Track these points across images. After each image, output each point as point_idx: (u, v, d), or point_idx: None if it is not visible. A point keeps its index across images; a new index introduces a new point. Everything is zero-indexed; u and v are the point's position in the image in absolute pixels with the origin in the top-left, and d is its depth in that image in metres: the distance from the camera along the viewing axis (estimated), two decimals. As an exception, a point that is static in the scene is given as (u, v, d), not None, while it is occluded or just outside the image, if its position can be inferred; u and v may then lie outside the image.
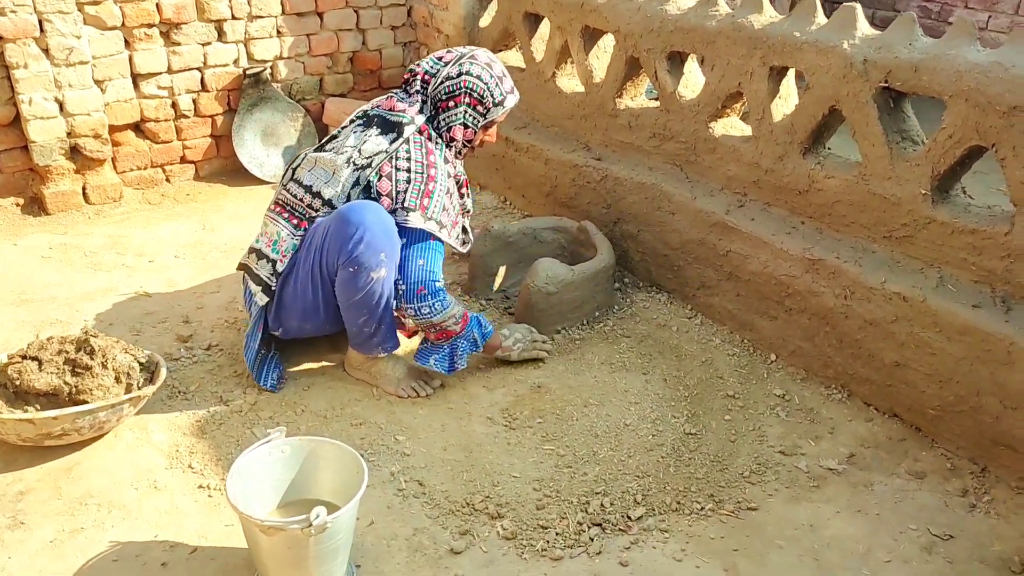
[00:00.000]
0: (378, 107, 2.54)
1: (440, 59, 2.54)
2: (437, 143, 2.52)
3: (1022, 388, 2.07)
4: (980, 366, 2.15)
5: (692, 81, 3.01)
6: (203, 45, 3.89)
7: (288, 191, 2.51)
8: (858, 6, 2.41)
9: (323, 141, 2.57)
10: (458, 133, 2.54)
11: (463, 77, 2.49)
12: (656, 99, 3.23)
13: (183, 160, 4.05)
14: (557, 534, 2.03)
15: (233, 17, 3.90)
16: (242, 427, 2.39)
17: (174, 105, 3.92)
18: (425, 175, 2.43)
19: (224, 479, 2.17)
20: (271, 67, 4.09)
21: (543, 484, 2.20)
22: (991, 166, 2.36)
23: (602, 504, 2.13)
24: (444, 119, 2.53)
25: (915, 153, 2.31)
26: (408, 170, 2.41)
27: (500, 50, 3.94)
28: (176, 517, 2.08)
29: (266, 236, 2.52)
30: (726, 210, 2.83)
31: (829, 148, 2.64)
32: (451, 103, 2.51)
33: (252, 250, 2.56)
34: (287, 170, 2.57)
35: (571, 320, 2.88)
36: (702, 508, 2.12)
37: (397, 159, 2.42)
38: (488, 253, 3.09)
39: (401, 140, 2.44)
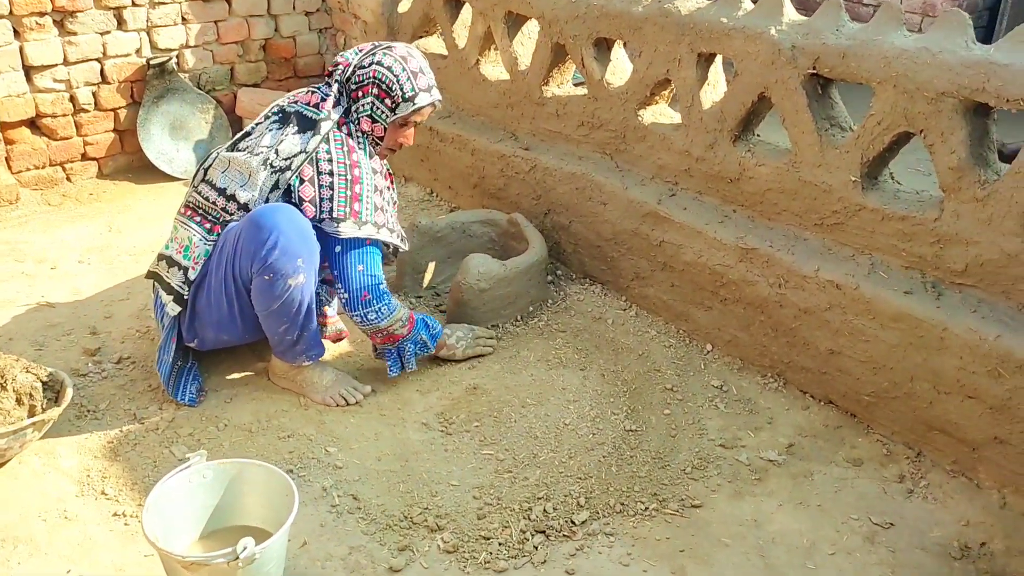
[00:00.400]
0: (296, 102, 2.38)
1: (361, 49, 2.39)
2: (359, 139, 2.37)
3: (955, 373, 2.09)
4: (913, 352, 2.16)
5: (620, 68, 2.96)
6: (102, 34, 3.65)
7: (199, 193, 2.35)
8: (785, -9, 2.39)
9: (236, 138, 2.41)
10: (365, 125, 2.36)
11: (373, 67, 2.32)
12: (580, 83, 3.17)
13: (85, 157, 3.80)
14: (500, 544, 1.96)
15: (134, 4, 3.67)
16: (159, 447, 2.24)
17: (72, 99, 3.68)
18: (349, 177, 2.29)
19: (141, 504, 2.03)
20: (177, 56, 3.86)
21: (483, 491, 2.12)
22: (909, 146, 2.36)
23: (545, 510, 2.06)
24: (354, 110, 2.36)
25: (844, 140, 2.31)
26: (331, 173, 2.27)
27: (421, 36, 3.81)
28: (90, 549, 1.93)
29: (176, 241, 2.36)
30: (658, 199, 2.79)
31: (758, 135, 2.62)
32: (360, 93, 2.33)
33: (162, 256, 2.39)
34: (198, 170, 2.41)
35: (505, 316, 2.80)
36: (646, 508, 2.08)
37: (318, 161, 2.27)
38: (416, 249, 2.98)
39: (320, 139, 2.29)
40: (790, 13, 2.39)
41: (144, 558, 1.90)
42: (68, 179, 3.78)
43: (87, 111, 3.72)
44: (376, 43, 2.41)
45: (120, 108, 3.80)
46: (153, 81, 3.78)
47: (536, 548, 1.95)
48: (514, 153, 3.25)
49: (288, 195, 2.29)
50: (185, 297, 2.31)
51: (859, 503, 2.08)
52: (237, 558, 1.54)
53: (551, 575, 1.89)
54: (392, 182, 2.60)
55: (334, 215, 2.26)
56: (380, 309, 2.34)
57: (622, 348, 2.71)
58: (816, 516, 2.04)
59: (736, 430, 2.35)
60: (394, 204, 2.59)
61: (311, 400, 2.42)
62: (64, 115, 3.67)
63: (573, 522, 2.03)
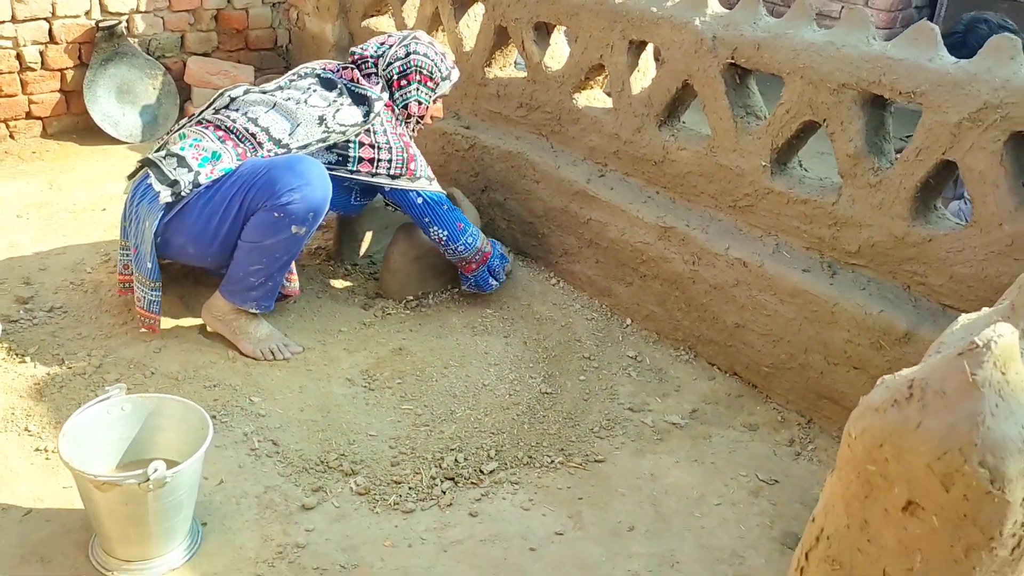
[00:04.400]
0: (333, 72, 2.63)
1: (383, 43, 2.70)
2: (399, 119, 2.69)
3: (843, 346, 2.24)
4: (808, 326, 2.32)
5: (558, 52, 3.07)
6: (51, -7, 3.66)
7: (235, 121, 2.46)
8: (709, -16, 2.52)
9: (262, 87, 2.60)
10: (414, 108, 2.70)
11: (412, 56, 2.66)
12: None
13: (29, 116, 3.80)
14: (410, 488, 2.06)
15: (85, -35, 3.69)
16: (85, 390, 2.29)
17: (19, 57, 3.68)
18: (401, 143, 2.61)
19: (64, 442, 2.09)
20: (127, 21, 3.89)
21: (399, 442, 2.22)
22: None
23: (456, 460, 2.17)
24: (400, 96, 2.68)
25: (757, 127, 2.45)
26: (387, 143, 2.57)
27: (372, 15, 3.89)
28: (9, 481, 1.98)
29: (197, 148, 2.39)
30: (587, 179, 2.91)
31: (684, 122, 2.76)
32: (404, 81, 2.66)
33: (171, 154, 2.39)
34: (222, 96, 2.56)
35: (435, 285, 2.90)
36: (552, 461, 2.19)
37: (375, 133, 2.56)
38: (354, 219, 3.06)
39: (374, 115, 2.57)
40: (714, 5, 2.53)
41: (63, 489, 1.97)
42: (11, 136, 3.78)
43: (34, 70, 3.72)
44: (395, 35, 2.73)
45: (67, 69, 3.81)
46: (102, 44, 3.80)
47: (444, 493, 2.06)
48: (455, 131, 3.35)
49: (340, 153, 2.53)
50: (183, 195, 2.34)
51: (750, 462, 2.22)
52: (148, 480, 1.62)
53: (455, 517, 1.99)
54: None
55: (391, 173, 2.58)
56: (473, 232, 2.71)
57: (546, 319, 2.82)
58: (709, 472, 2.18)
59: (645, 396, 2.48)
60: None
61: (241, 350, 2.49)
62: (10, 72, 3.67)
63: (482, 471, 2.14)
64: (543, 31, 3.05)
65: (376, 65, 2.66)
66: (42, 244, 3.01)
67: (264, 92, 2.56)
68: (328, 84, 2.60)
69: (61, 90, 3.83)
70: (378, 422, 2.29)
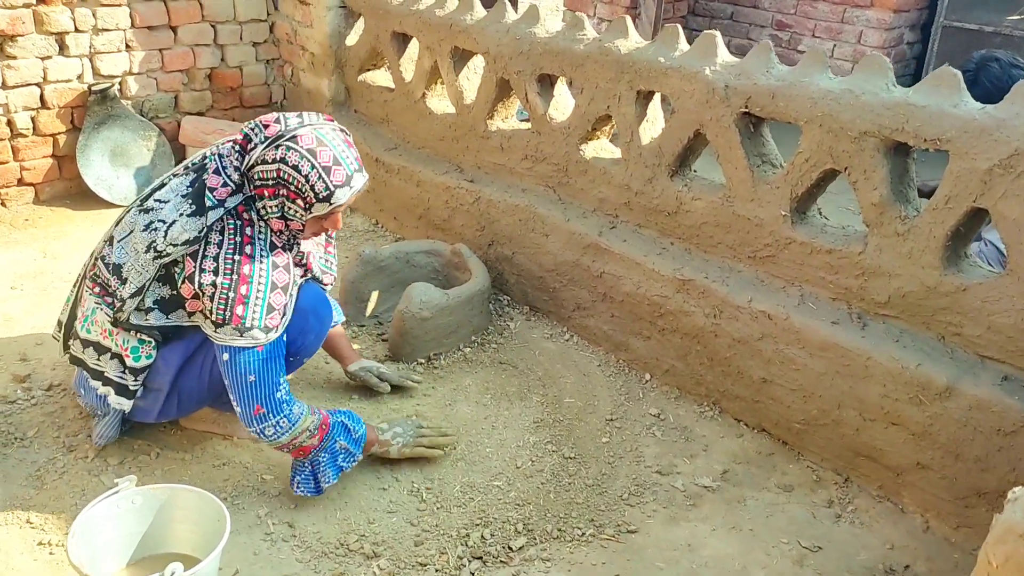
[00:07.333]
0: (219, 156, 2.06)
1: (265, 127, 1.98)
2: (259, 228, 2.04)
3: (878, 401, 2.17)
4: (840, 380, 2.24)
5: (562, 104, 3.03)
6: (43, 59, 3.60)
7: (103, 260, 2.11)
8: (717, 34, 2.49)
9: (152, 187, 2.12)
10: (278, 224, 2.04)
11: (278, 165, 1.94)
12: (526, 119, 3.23)
13: (21, 183, 3.72)
14: (436, 571, 1.96)
15: (76, 30, 3.63)
16: (88, 476, 2.18)
17: (10, 123, 3.61)
18: (236, 276, 1.96)
19: (68, 533, 1.97)
20: (120, 83, 3.83)
21: (421, 519, 2.12)
22: (840, 187, 2.49)
23: (482, 536, 2.07)
24: (260, 207, 2.02)
25: (775, 176, 2.40)
26: (215, 271, 1.95)
27: (368, 69, 3.85)
28: (11, 581, 1.87)
29: (97, 324, 2.14)
30: (599, 232, 2.85)
31: (695, 170, 2.71)
32: (265, 192, 1.98)
33: (88, 343, 2.15)
34: (116, 222, 2.15)
35: (447, 345, 2.82)
36: (583, 533, 2.09)
37: (204, 257, 1.97)
38: (360, 278, 2.99)
39: (207, 230, 1.98)
40: (723, 54, 2.49)
41: (68, 588, 1.85)
42: (3, 204, 3.69)
43: (25, 136, 3.65)
44: (283, 121, 1.99)
45: (60, 134, 3.74)
46: (94, 107, 3.74)
47: (472, 574, 1.95)
48: (459, 185, 3.29)
49: (172, 285, 2.05)
50: (131, 388, 2.13)
51: (789, 527, 2.13)
52: (165, 584, 1.51)
53: (487, 601, 1.89)
54: (332, 251, 2.37)
55: (212, 319, 1.97)
56: (278, 423, 2.00)
57: (562, 377, 2.74)
58: (748, 540, 2.08)
59: (672, 457, 2.39)
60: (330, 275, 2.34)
61: (239, 438, 2.37)
62: (1, 139, 3.60)
63: (510, 548, 2.04)
64: (546, 82, 3.01)
65: (243, 153, 2.00)
66: (37, 317, 2.91)
67: (143, 200, 2.08)
68: (192, 182, 2.03)
69: (53, 155, 3.76)
70: (397, 497, 2.19)
